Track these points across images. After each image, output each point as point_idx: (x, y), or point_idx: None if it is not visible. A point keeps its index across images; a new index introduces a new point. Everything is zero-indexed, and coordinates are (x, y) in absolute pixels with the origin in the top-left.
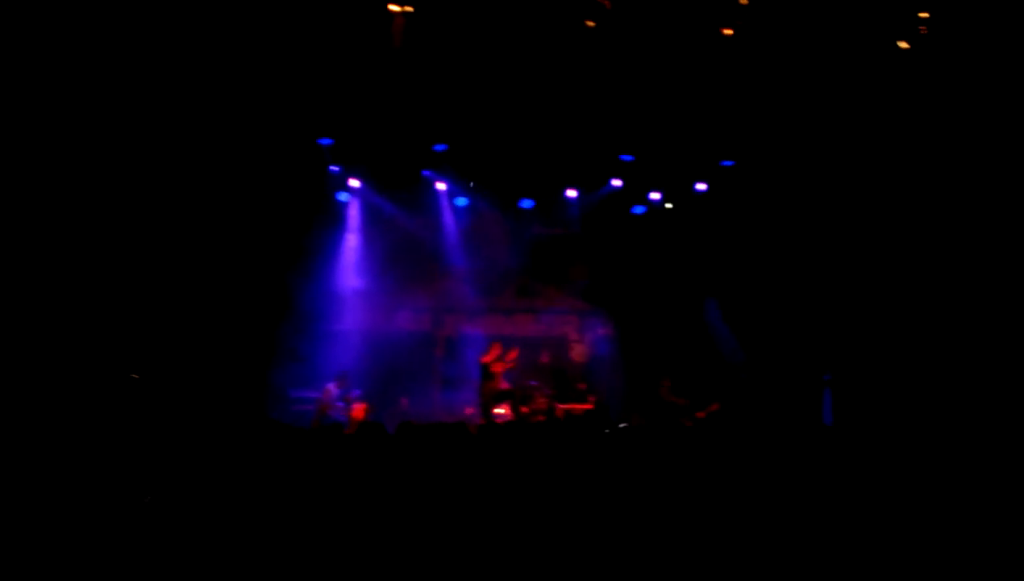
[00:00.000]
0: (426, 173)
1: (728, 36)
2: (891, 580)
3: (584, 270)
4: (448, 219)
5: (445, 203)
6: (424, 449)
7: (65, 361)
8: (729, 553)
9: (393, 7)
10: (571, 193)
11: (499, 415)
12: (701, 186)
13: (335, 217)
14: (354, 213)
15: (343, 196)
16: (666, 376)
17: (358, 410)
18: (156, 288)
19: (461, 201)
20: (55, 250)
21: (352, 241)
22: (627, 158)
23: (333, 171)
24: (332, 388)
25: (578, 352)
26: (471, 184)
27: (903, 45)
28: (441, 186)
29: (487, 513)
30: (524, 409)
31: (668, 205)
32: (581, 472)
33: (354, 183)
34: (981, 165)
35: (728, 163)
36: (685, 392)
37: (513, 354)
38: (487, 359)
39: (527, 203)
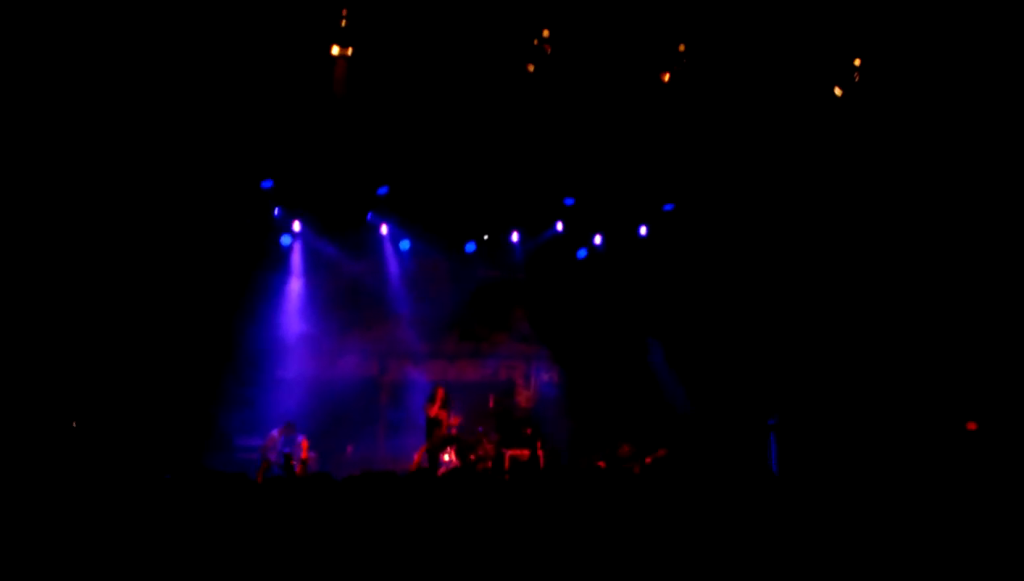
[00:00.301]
0: (370, 216)
1: (666, 82)
2: None
3: (528, 314)
4: (392, 263)
5: (389, 246)
6: (370, 499)
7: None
8: None
9: (335, 50)
10: (515, 237)
11: (446, 462)
12: (642, 230)
13: (278, 261)
14: (297, 257)
15: (286, 239)
16: (624, 443)
17: (304, 447)
18: (97, 331)
19: (404, 244)
20: None
21: (296, 285)
22: (569, 202)
23: (276, 214)
24: (276, 435)
25: (524, 397)
26: (415, 227)
27: (837, 92)
28: (384, 230)
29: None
30: (471, 456)
31: (610, 247)
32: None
33: (296, 226)
34: (919, 207)
35: (669, 207)
36: (632, 438)
37: (440, 393)
38: (432, 409)
39: (470, 246)
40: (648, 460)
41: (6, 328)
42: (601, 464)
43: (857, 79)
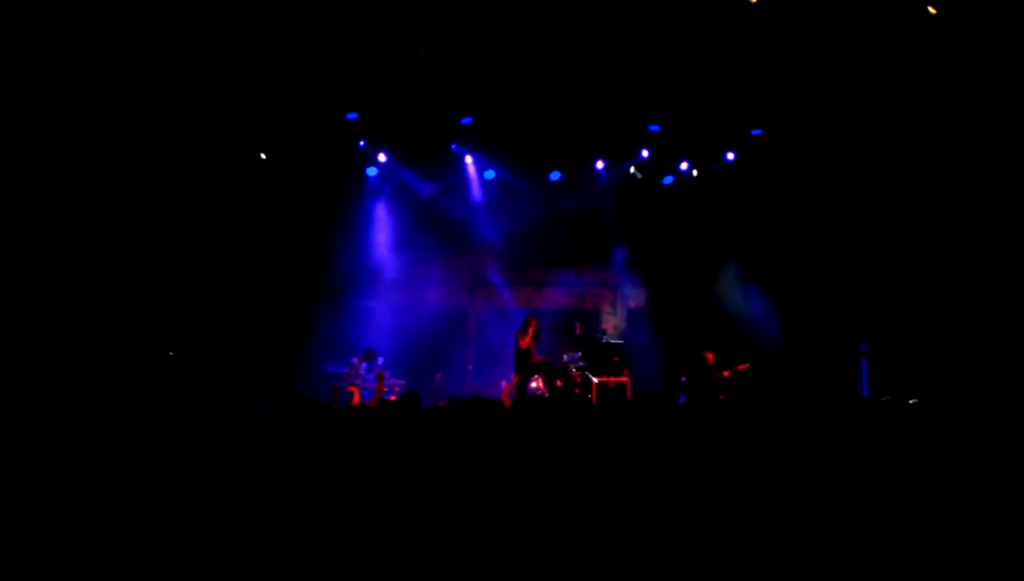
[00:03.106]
0: (454, 147)
1: (753, 3)
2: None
3: (614, 241)
4: (477, 192)
5: (473, 176)
6: (461, 426)
7: (106, 339)
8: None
9: None
10: (600, 165)
11: (533, 389)
12: (730, 156)
13: (364, 192)
14: (383, 188)
15: (372, 171)
16: (709, 350)
17: (380, 377)
18: (190, 267)
19: (489, 174)
20: (114, 238)
21: (382, 215)
22: (655, 129)
23: (361, 146)
24: (356, 362)
25: (611, 324)
26: (500, 156)
27: (932, 10)
28: (469, 160)
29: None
30: (558, 382)
31: (698, 174)
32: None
33: (382, 158)
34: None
35: (757, 132)
36: (719, 359)
37: (533, 324)
38: (524, 341)
39: (555, 175)
40: (727, 374)
41: (107, 266)
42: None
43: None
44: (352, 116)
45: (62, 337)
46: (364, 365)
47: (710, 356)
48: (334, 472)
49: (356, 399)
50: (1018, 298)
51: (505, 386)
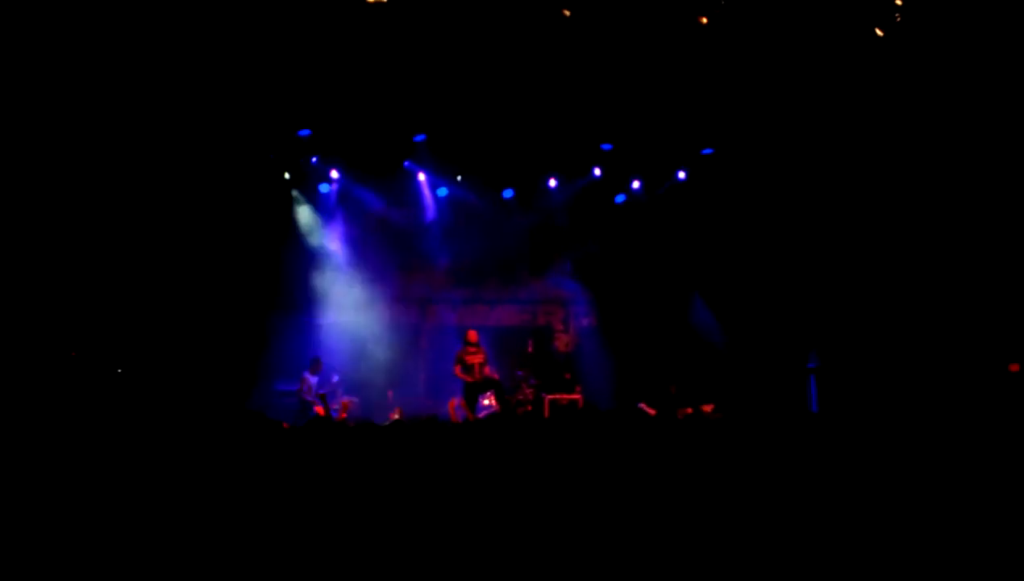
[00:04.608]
0: (407, 164)
1: (704, 25)
2: (880, 571)
3: (566, 259)
4: (430, 209)
5: (427, 193)
6: (412, 445)
7: (53, 357)
8: (726, 545)
9: None
10: (552, 183)
11: (486, 406)
12: (681, 174)
13: (317, 209)
14: (335, 205)
15: (324, 187)
16: (672, 384)
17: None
18: (142, 279)
19: (442, 191)
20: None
21: (335, 232)
22: (607, 147)
23: (313, 162)
24: (309, 377)
25: (563, 342)
26: (453, 174)
27: (879, 32)
28: (422, 177)
29: (476, 510)
30: (511, 400)
31: (648, 192)
32: (571, 466)
33: (334, 174)
34: (963, 152)
35: (708, 151)
36: (676, 380)
37: (472, 335)
38: (462, 351)
39: (508, 193)
40: (690, 411)
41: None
42: (650, 411)
43: (898, 19)
44: (305, 132)
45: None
46: (315, 379)
47: (673, 389)
48: (297, 489)
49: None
50: (963, 318)
51: (451, 402)
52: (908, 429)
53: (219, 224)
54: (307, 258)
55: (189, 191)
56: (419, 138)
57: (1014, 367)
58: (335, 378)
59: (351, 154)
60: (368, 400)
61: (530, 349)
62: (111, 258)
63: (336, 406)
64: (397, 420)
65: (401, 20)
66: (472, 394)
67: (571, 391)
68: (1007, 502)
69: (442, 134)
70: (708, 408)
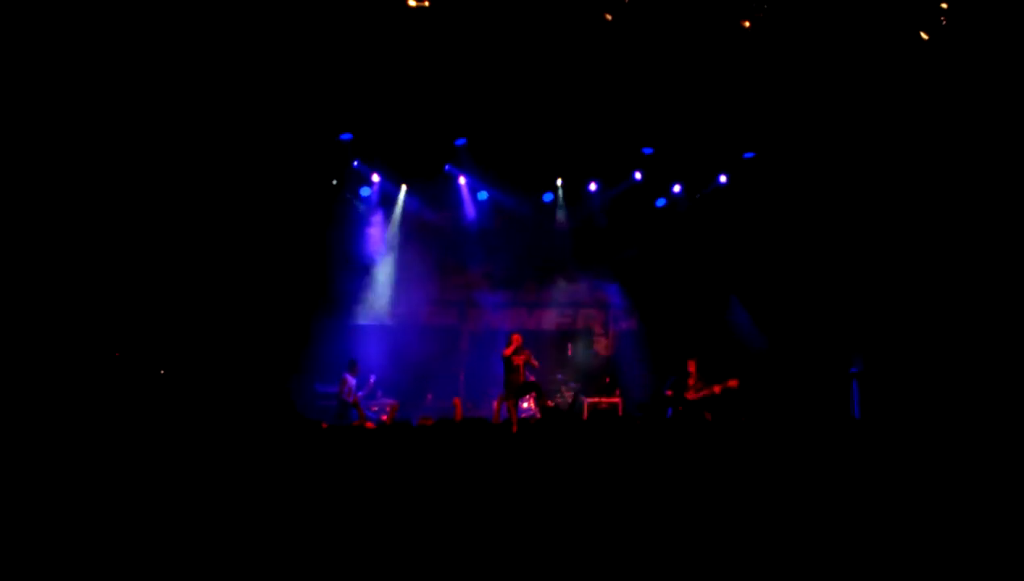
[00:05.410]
0: (448, 168)
1: (747, 28)
2: (913, 573)
3: (607, 263)
4: (470, 213)
5: (467, 197)
6: (451, 445)
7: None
8: (751, 545)
9: (411, 2)
10: (592, 186)
11: (525, 409)
12: (723, 178)
13: (359, 212)
14: (377, 209)
15: (365, 191)
16: (692, 357)
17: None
18: (183, 283)
19: (482, 195)
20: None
21: (376, 236)
22: (648, 151)
23: (355, 166)
24: (349, 378)
25: (603, 345)
26: (493, 177)
27: (924, 36)
28: (462, 181)
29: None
30: (549, 403)
31: (689, 196)
32: (607, 465)
33: (375, 178)
34: (1006, 155)
35: (749, 155)
36: (707, 371)
37: (516, 339)
38: (507, 352)
39: (548, 197)
40: (718, 390)
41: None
42: (668, 393)
43: (944, 22)
44: (346, 137)
45: (54, 351)
46: (354, 380)
47: (692, 364)
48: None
49: (369, 425)
50: (1005, 326)
51: (495, 404)
52: (953, 438)
53: (266, 228)
54: (349, 261)
55: (237, 197)
56: (460, 142)
57: None
58: (372, 379)
59: (392, 158)
60: (408, 402)
61: (570, 352)
62: (161, 264)
63: (376, 408)
64: (441, 420)
65: (443, 24)
66: (514, 395)
67: (611, 394)
68: None
69: (483, 138)
70: (734, 383)
